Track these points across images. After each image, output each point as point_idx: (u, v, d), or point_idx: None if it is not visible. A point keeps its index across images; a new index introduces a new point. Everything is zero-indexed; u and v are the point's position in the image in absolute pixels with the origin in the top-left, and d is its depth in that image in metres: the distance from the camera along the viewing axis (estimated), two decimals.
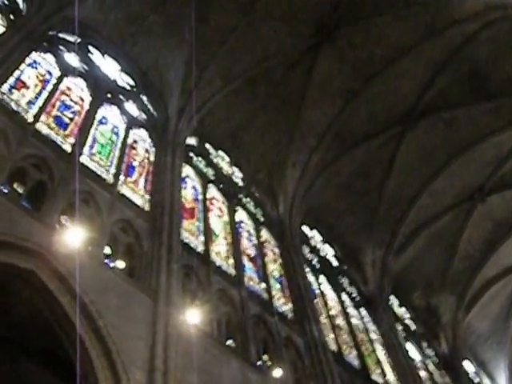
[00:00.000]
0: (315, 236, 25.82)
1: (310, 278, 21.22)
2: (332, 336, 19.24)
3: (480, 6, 21.09)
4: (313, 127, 23.92)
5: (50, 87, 16.00)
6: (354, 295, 24.50)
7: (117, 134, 17.37)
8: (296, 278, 19.36)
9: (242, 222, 20.46)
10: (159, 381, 10.17)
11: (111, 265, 12.38)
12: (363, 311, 23.87)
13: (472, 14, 21.40)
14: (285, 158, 23.91)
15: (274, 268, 19.71)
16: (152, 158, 17.83)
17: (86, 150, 14.95)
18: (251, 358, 13.91)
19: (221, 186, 21.00)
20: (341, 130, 24.22)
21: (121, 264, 12.79)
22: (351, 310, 22.92)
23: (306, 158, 24.02)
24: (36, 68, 16.26)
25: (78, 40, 19.37)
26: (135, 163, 16.91)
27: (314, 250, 24.53)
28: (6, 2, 17.58)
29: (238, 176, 23.19)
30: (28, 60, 15.94)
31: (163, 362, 10.59)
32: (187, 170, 19.35)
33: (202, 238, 16.76)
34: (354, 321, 22.28)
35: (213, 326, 13.54)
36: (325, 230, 26.37)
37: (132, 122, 18.65)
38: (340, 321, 21.17)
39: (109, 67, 20.16)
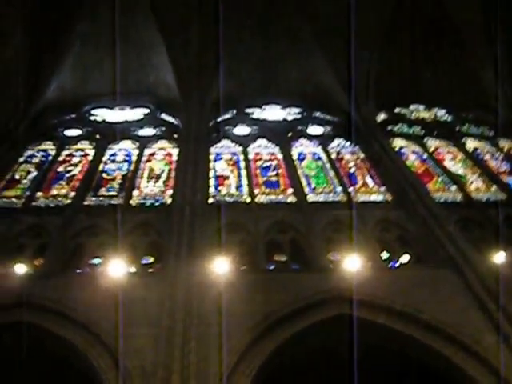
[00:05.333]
0: None
1: None
2: None
3: None
4: None
5: (242, 164, 16.69)
6: None
7: (319, 158, 17.53)
8: None
9: None
10: None
11: None
12: None
13: None
14: None
15: None
16: (361, 155, 17.60)
17: (306, 190, 15.21)
18: None
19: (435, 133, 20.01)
20: None
21: None
22: None
23: None
24: (221, 158, 17.08)
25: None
26: (352, 169, 16.79)
27: None
28: (164, 129, 18.93)
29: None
30: (212, 157, 16.86)
31: None
32: (399, 142, 18.80)
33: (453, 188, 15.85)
34: None
35: None
36: None
37: (324, 140, 18.75)
38: None
39: (274, 113, 20.48)
